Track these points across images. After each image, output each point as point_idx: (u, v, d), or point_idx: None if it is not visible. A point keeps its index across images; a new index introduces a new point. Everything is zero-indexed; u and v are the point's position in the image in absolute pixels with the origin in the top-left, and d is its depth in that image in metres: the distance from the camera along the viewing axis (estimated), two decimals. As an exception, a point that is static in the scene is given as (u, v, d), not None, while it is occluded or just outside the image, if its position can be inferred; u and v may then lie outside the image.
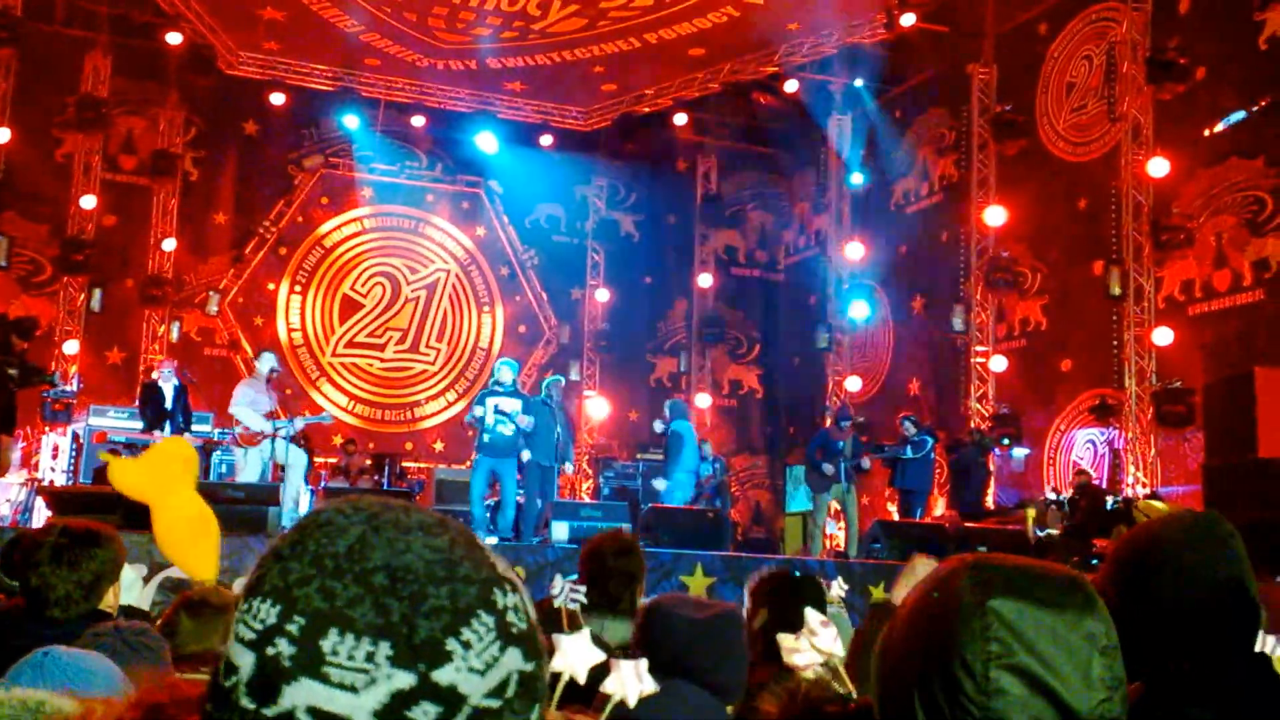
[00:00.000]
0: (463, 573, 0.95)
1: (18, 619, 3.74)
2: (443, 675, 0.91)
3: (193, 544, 6.56)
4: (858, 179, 20.32)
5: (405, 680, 0.90)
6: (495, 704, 0.92)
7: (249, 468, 13.59)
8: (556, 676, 2.16)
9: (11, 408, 11.83)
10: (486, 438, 13.14)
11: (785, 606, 4.09)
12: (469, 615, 0.93)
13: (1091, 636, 1.34)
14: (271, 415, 13.56)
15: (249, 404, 13.59)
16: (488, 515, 13.80)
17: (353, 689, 0.90)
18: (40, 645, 2.94)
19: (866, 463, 15.59)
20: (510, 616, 0.95)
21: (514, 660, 0.94)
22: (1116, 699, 1.35)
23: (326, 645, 0.91)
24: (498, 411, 13.14)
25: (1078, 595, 1.37)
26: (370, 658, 0.90)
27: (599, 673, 2.28)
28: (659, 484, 15.26)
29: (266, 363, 14.17)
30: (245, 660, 0.94)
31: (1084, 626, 1.34)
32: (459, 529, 0.99)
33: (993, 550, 12.23)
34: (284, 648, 0.92)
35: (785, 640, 2.58)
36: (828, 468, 15.04)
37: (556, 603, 4.48)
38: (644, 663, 2.15)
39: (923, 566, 3.49)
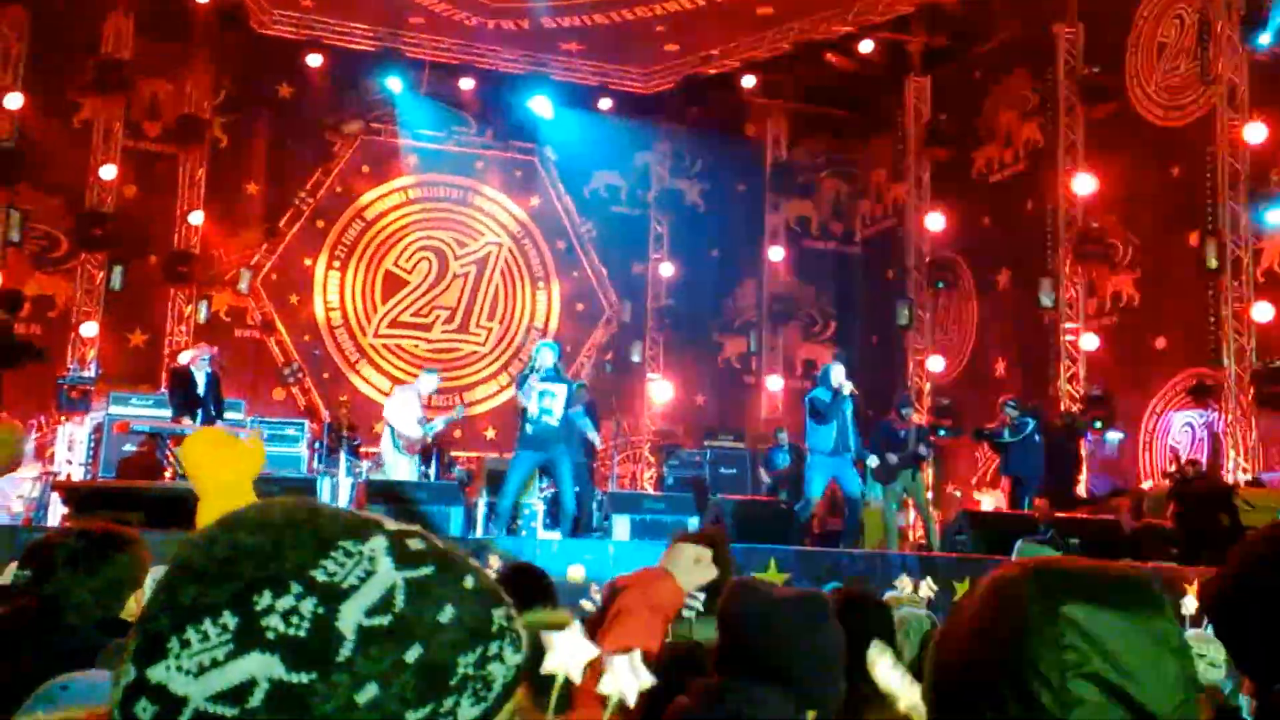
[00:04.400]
0: (229, 570, 0.99)
1: (31, 623, 3.76)
2: (154, 673, 0.96)
3: None
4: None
5: (130, 675, 0.97)
6: (228, 711, 0.94)
7: (400, 469, 14.66)
8: (552, 678, 2.23)
9: None
10: (530, 429, 12.81)
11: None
12: (202, 614, 0.97)
13: (1163, 638, 1.37)
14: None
15: (404, 410, 14.90)
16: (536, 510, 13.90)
17: (116, 682, 0.98)
18: (55, 653, 3.12)
19: (925, 450, 15.68)
20: (271, 620, 0.96)
21: (261, 666, 0.95)
22: (1194, 700, 1.38)
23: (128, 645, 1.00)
24: (542, 395, 12.88)
25: (1146, 596, 1.40)
26: (129, 651, 0.98)
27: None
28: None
29: (429, 385, 15.73)
30: None
31: (1155, 628, 1.37)
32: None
33: (1087, 543, 12.24)
34: None
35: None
36: (891, 458, 15.09)
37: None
38: (638, 654, 2.18)
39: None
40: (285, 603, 0.97)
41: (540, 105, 21.65)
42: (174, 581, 0.99)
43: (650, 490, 19.74)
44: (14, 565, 6.51)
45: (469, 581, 1.05)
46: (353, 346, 21.58)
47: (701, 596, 4.52)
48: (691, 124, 23.09)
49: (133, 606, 3.93)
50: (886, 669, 2.77)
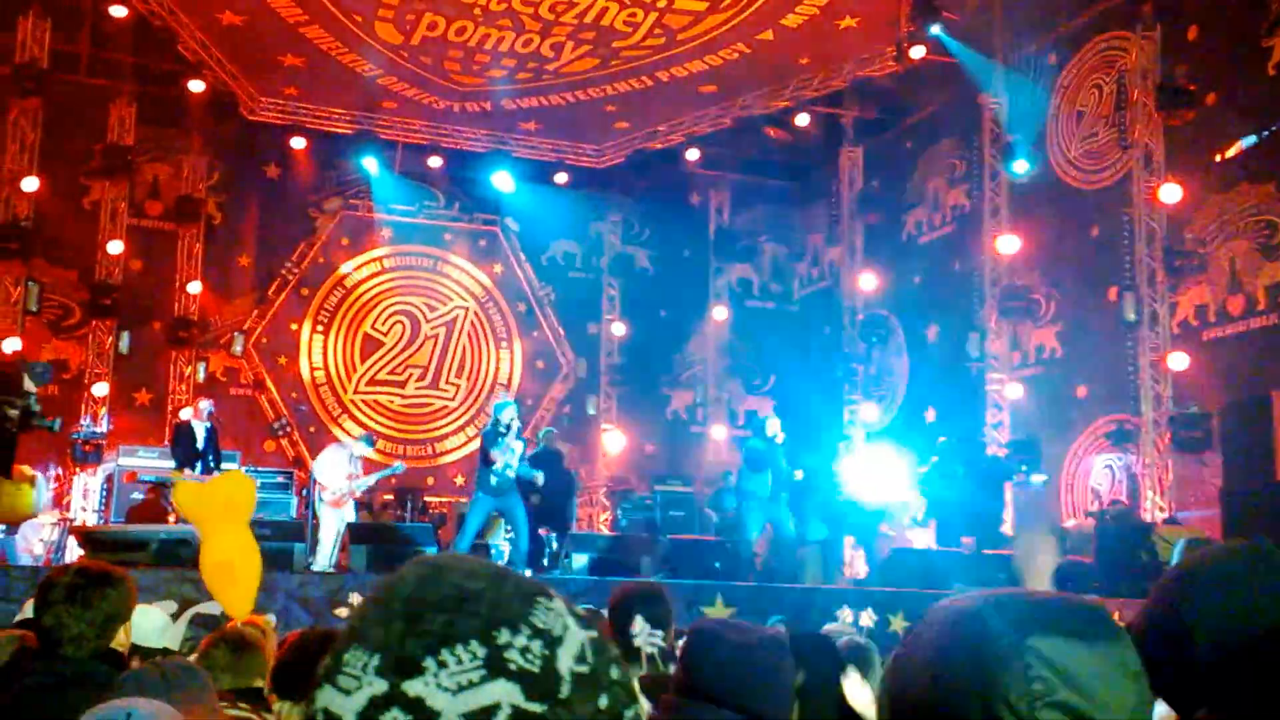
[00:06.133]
0: (470, 608, 1.02)
1: (32, 653, 3.82)
2: (411, 686, 0.98)
3: (234, 581, 6.53)
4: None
5: (380, 687, 0.98)
6: None
7: (326, 526, 14.24)
8: None
9: (10, 451, 11.70)
10: (494, 480, 12.99)
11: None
12: (456, 641, 0.99)
13: (1123, 664, 1.31)
14: (351, 477, 14.65)
15: (333, 469, 14.53)
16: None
17: (346, 692, 0.99)
18: (52, 683, 3.18)
19: None
20: (512, 655, 1.00)
21: (506, 693, 0.98)
22: None
23: (345, 657, 1.01)
24: (509, 451, 13.01)
25: (1104, 624, 1.34)
26: (364, 667, 0.99)
27: None
28: None
29: (360, 450, 15.29)
30: None
31: (1115, 655, 1.31)
32: (508, 583, 1.06)
33: (1013, 577, 12.11)
34: (328, 662, 1.03)
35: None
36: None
37: (636, 643, 4.39)
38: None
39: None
40: (520, 641, 1.01)
41: (502, 180, 21.59)
42: (412, 611, 1.01)
43: (605, 531, 19.54)
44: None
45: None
46: (335, 402, 21.61)
47: (660, 634, 4.37)
48: (641, 195, 23.17)
49: (121, 637, 4.01)
50: (854, 687, 2.67)
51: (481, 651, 0.99)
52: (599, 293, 23.43)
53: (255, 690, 4.24)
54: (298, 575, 11.24)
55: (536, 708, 0.99)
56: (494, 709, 0.98)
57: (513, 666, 1.00)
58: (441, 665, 0.98)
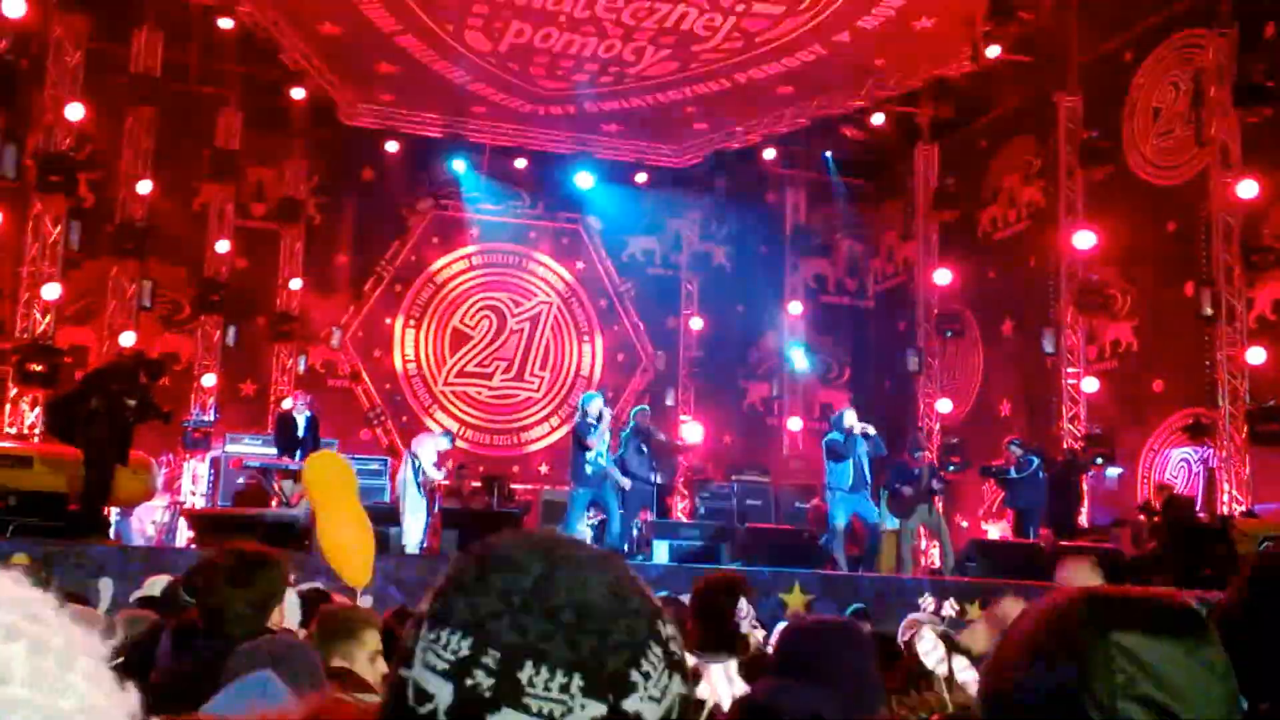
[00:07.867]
0: (633, 606, 1.00)
1: (194, 634, 3.89)
2: (629, 704, 0.95)
3: (357, 549, 6.58)
4: None
5: (598, 710, 0.94)
6: None
7: (416, 506, 14.64)
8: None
9: (127, 439, 12.02)
10: (589, 470, 13.18)
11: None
12: (644, 647, 0.97)
13: (1209, 662, 1.31)
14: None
15: (430, 454, 15.11)
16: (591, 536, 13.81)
17: (551, 717, 0.93)
18: (216, 659, 3.17)
19: (938, 485, 15.33)
20: (672, 645, 1.00)
21: (678, 686, 0.98)
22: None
23: (524, 677, 0.94)
24: (603, 441, 13.28)
25: (1192, 622, 1.34)
26: (565, 689, 0.94)
27: None
28: None
29: (443, 444, 15.94)
30: (442, 688, 0.96)
31: (1202, 653, 1.31)
32: (619, 564, 1.04)
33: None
34: (483, 679, 0.95)
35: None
36: (908, 490, 14.79)
37: (743, 628, 4.32)
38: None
39: (1012, 606, 3.34)
40: (670, 629, 1.00)
41: (584, 180, 21.71)
42: (587, 622, 0.96)
43: (685, 519, 19.46)
44: (156, 578, 6.52)
45: None
46: (426, 393, 21.81)
47: (752, 612, 4.35)
48: (719, 193, 22.98)
49: (276, 617, 4.04)
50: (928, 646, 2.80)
51: (659, 651, 0.98)
52: (677, 288, 23.43)
53: (343, 671, 4.20)
54: (393, 558, 11.46)
55: (687, 690, 1.00)
56: (673, 706, 0.97)
57: (675, 658, 0.99)
58: (645, 676, 0.96)
